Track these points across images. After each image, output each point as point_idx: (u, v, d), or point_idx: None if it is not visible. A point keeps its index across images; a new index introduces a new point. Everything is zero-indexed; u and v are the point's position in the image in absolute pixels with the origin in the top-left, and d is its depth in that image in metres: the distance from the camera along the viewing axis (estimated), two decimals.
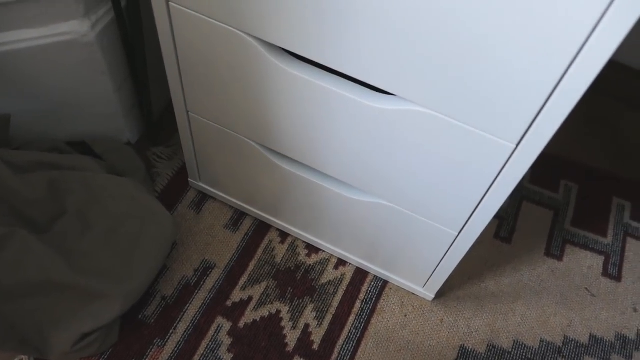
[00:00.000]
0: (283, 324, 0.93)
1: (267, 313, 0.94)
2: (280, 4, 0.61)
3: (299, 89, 0.70)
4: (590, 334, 0.98)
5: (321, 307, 0.96)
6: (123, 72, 0.98)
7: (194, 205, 1.05)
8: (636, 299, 1.02)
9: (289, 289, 0.97)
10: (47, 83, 0.93)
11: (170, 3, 0.70)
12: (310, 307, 0.96)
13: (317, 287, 0.98)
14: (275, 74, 0.70)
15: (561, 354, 0.95)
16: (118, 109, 1.02)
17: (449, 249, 0.83)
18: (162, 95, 1.09)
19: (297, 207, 0.94)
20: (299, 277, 0.99)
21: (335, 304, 0.96)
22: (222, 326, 0.92)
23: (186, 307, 0.93)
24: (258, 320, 0.93)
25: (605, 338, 0.98)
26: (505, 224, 1.10)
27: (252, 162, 0.89)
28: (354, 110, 0.69)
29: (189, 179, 1.06)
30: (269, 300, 0.96)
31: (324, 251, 1.02)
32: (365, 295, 0.98)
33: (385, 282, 1.00)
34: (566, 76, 0.52)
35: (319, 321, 0.94)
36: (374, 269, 0.99)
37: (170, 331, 0.91)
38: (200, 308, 0.94)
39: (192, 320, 0.92)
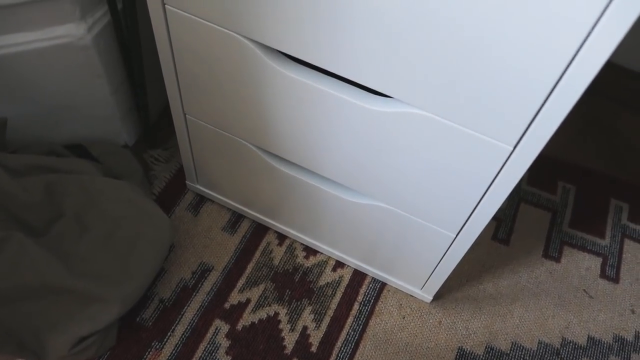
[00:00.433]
0: (281, 326, 0.93)
1: (265, 315, 0.94)
2: (277, 6, 0.61)
3: (296, 91, 0.70)
4: (589, 335, 0.98)
5: (319, 309, 0.96)
6: (120, 75, 0.98)
7: (191, 208, 1.05)
8: (634, 301, 1.03)
9: (287, 291, 0.97)
10: (43, 86, 0.93)
11: (166, 6, 0.70)
12: (308, 309, 0.95)
13: (315, 289, 0.98)
14: (273, 76, 0.70)
15: (559, 356, 0.95)
16: (115, 112, 1.02)
17: (446, 250, 0.83)
18: (159, 97, 1.09)
19: (295, 210, 0.94)
20: (297, 279, 0.98)
21: (334, 306, 0.96)
22: (220, 329, 0.92)
23: (184, 310, 0.93)
24: (256, 322, 0.93)
25: (603, 340, 0.98)
26: (503, 225, 1.10)
27: (249, 165, 0.89)
28: (352, 112, 0.69)
29: (187, 182, 1.05)
30: (267, 302, 0.95)
31: (321, 253, 1.02)
32: (364, 297, 0.98)
33: (383, 284, 1.00)
34: (563, 78, 0.52)
35: (317, 323, 0.94)
36: (372, 270, 0.99)
37: (168, 334, 0.91)
38: (198, 310, 0.93)
39: (190, 322, 0.92)
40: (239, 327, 0.93)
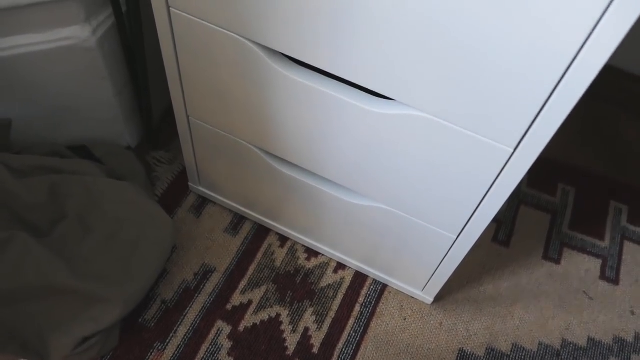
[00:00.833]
0: (283, 327, 0.94)
1: (267, 317, 0.95)
2: (280, 9, 0.62)
3: (299, 93, 0.71)
4: (589, 336, 0.98)
5: (321, 311, 0.96)
6: (123, 77, 0.99)
7: (193, 210, 1.06)
8: (634, 302, 1.03)
9: (289, 292, 0.98)
10: (48, 87, 0.94)
11: (171, 9, 0.70)
12: (309, 310, 0.96)
13: (316, 290, 0.98)
14: (276, 79, 0.71)
15: (560, 357, 0.96)
16: (118, 114, 1.02)
17: (447, 252, 0.84)
18: (162, 99, 1.10)
19: (297, 211, 0.95)
20: (299, 281, 0.99)
21: (335, 307, 0.97)
22: (222, 330, 0.93)
23: (186, 311, 0.94)
24: (258, 323, 0.94)
25: (603, 341, 0.98)
26: (503, 227, 1.10)
27: (252, 166, 0.90)
28: (354, 114, 0.69)
29: (189, 183, 1.06)
30: (268, 303, 0.96)
31: (323, 255, 1.02)
32: (365, 299, 0.98)
33: (385, 286, 1.00)
34: (563, 81, 0.53)
35: (318, 325, 0.95)
36: (373, 272, 0.99)
37: (171, 335, 0.91)
38: (200, 312, 0.94)
39: (192, 323, 0.93)
40: (241, 328, 0.93)
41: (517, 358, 0.95)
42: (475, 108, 0.60)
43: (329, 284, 0.99)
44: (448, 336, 0.96)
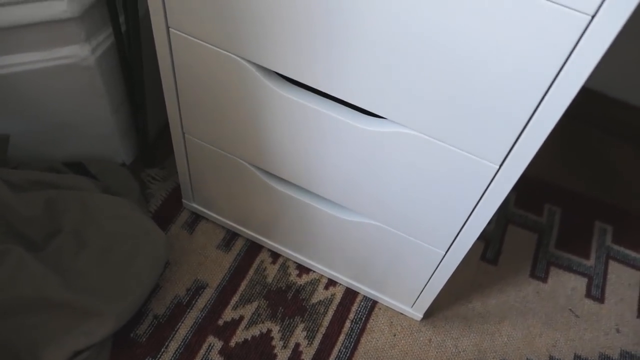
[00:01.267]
0: (274, 343, 0.95)
1: (258, 332, 0.95)
2: (276, 30, 0.64)
3: (293, 111, 0.73)
4: (575, 354, 1.00)
5: (311, 327, 0.97)
6: (120, 95, 1.01)
7: (187, 226, 1.07)
8: (619, 320, 1.05)
9: (280, 308, 0.99)
10: (46, 105, 0.96)
11: (170, 29, 0.73)
12: (300, 326, 0.97)
13: (307, 306, 0.99)
14: (270, 97, 0.73)
15: None
16: (114, 131, 1.04)
17: (436, 267, 0.85)
18: (157, 118, 1.12)
19: (289, 228, 0.96)
20: (290, 297, 1.00)
21: (326, 323, 0.98)
22: (213, 345, 0.93)
23: (178, 326, 0.94)
24: (249, 339, 0.95)
25: (589, 358, 1.00)
26: (491, 246, 1.12)
27: (245, 183, 0.92)
28: (346, 132, 0.72)
29: (183, 200, 1.07)
30: (260, 319, 0.97)
31: (314, 271, 1.04)
32: (355, 315, 0.99)
33: (375, 302, 1.01)
34: (543, 102, 0.55)
35: (309, 340, 0.96)
36: (364, 289, 1.01)
37: (162, 350, 0.92)
38: (191, 327, 0.95)
39: (184, 339, 0.93)
40: (232, 343, 0.94)
41: None
42: (463, 126, 0.62)
43: (320, 300, 1.00)
44: (437, 352, 0.97)
